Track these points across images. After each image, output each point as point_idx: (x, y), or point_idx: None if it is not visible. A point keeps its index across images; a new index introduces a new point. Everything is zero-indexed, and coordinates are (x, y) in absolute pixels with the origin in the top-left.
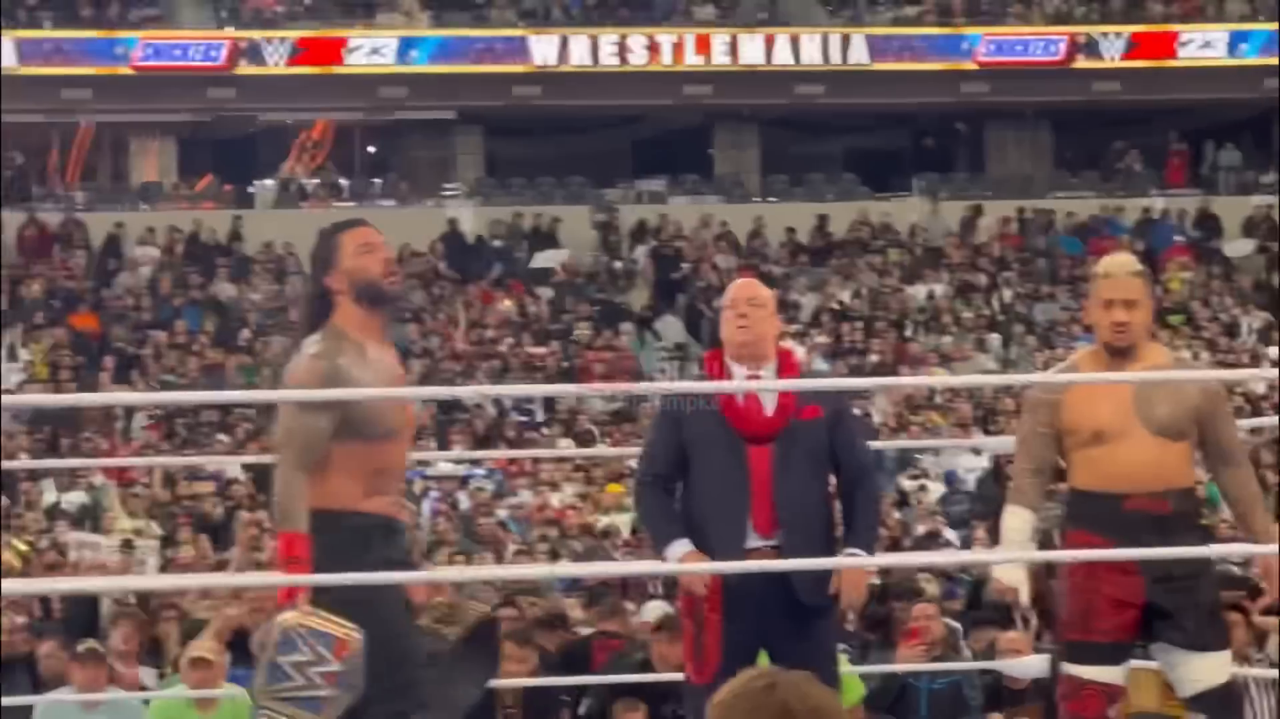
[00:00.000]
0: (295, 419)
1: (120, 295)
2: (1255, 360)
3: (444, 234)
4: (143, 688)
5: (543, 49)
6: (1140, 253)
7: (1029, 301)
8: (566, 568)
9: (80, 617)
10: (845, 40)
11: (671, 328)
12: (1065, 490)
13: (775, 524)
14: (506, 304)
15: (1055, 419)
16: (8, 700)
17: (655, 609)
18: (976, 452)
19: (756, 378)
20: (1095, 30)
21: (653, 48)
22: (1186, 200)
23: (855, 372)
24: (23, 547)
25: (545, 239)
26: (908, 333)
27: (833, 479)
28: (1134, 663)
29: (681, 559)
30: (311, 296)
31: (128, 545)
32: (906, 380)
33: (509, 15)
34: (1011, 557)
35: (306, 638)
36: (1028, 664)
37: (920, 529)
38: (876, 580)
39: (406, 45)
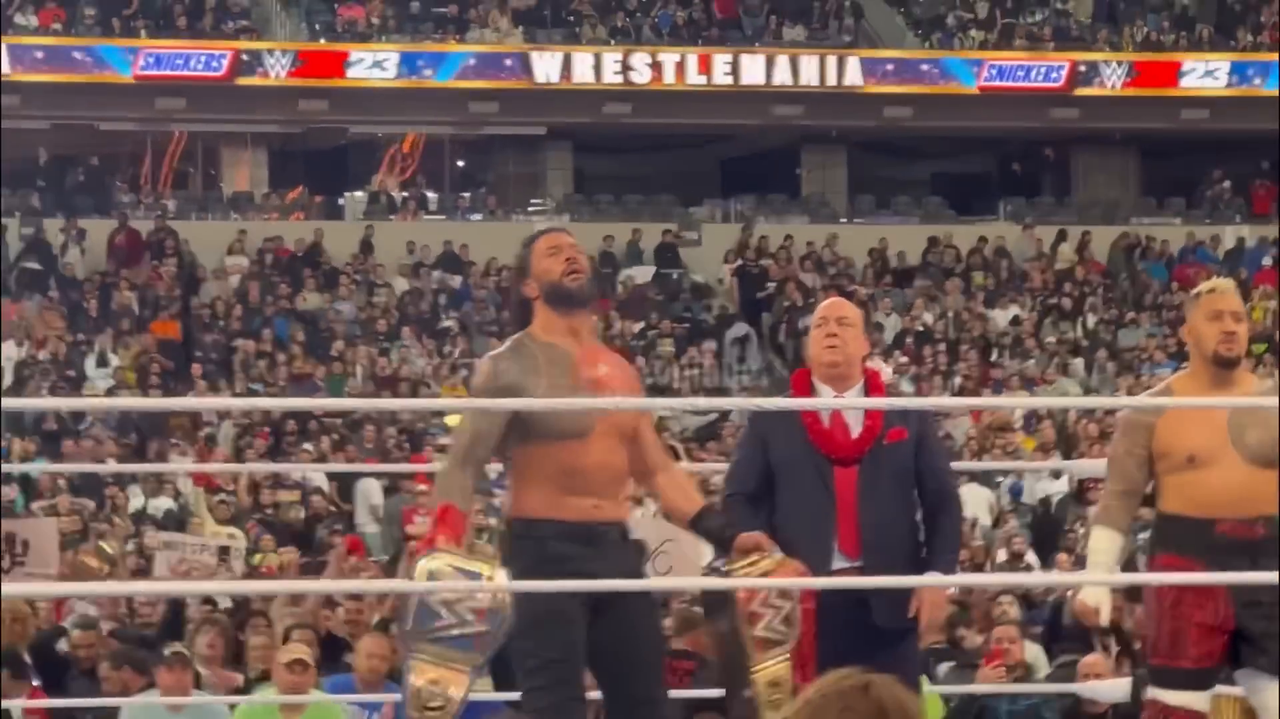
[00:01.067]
0: (466, 417)
1: (208, 303)
2: None
3: None
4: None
5: (633, 67)
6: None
7: (1113, 327)
8: (655, 582)
9: (168, 622)
10: (935, 63)
11: (755, 345)
12: (1154, 515)
13: (860, 546)
14: (592, 319)
15: (1148, 442)
16: (97, 702)
17: None
18: (1057, 475)
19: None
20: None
21: (741, 68)
22: (1271, 229)
23: (938, 394)
24: (110, 549)
25: (632, 255)
26: (992, 356)
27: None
28: (1219, 689)
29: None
30: (515, 304)
31: (224, 552)
32: (992, 401)
33: (600, 33)
34: (1096, 579)
35: (454, 576)
36: (1108, 689)
37: (1002, 552)
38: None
39: (497, 61)
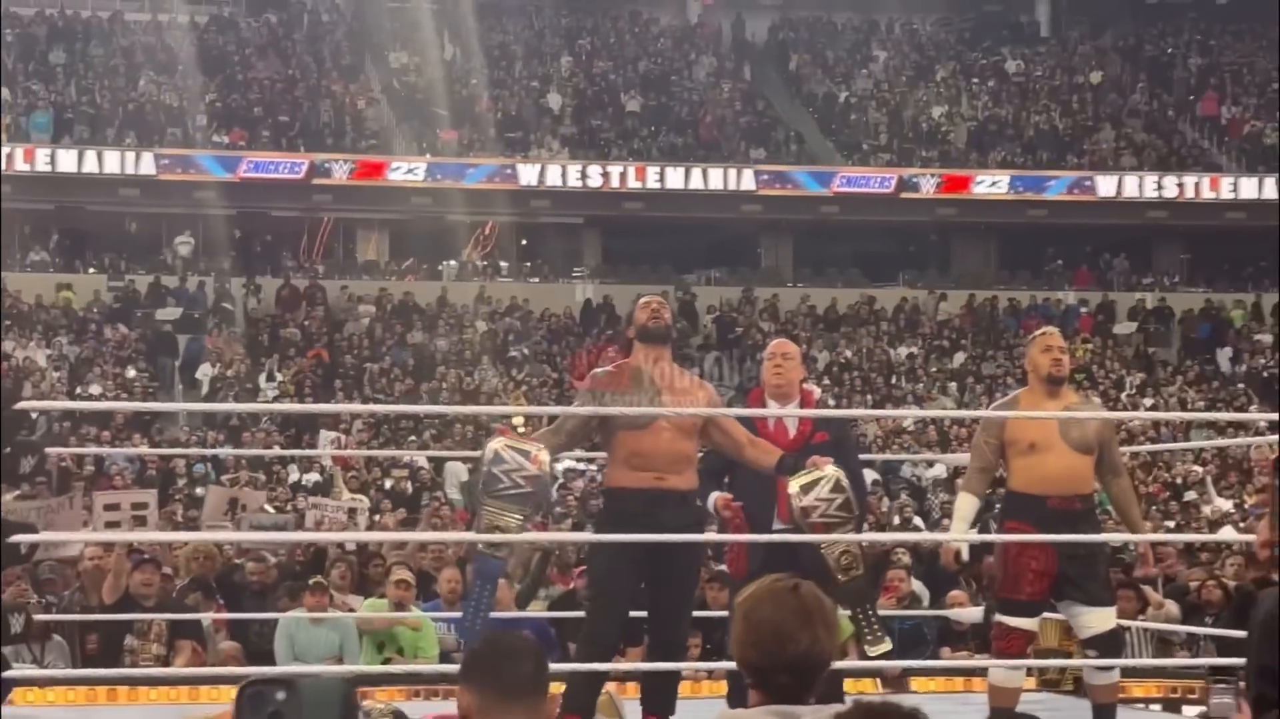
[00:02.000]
0: (564, 415)
1: (348, 338)
2: (1135, 407)
3: (575, 304)
4: (351, 609)
5: (645, 176)
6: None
7: (978, 361)
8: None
9: (313, 560)
10: (854, 177)
11: (729, 372)
12: (1004, 492)
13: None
14: (610, 353)
15: (1000, 434)
16: (263, 616)
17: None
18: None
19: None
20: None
21: (721, 177)
22: (1090, 294)
23: (853, 408)
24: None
25: None
26: (893, 381)
27: None
28: (1045, 614)
29: (716, 500)
30: (623, 341)
31: (352, 513)
32: (890, 413)
33: (623, 152)
34: (959, 536)
35: (511, 453)
36: (968, 613)
37: (896, 518)
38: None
39: (549, 171)
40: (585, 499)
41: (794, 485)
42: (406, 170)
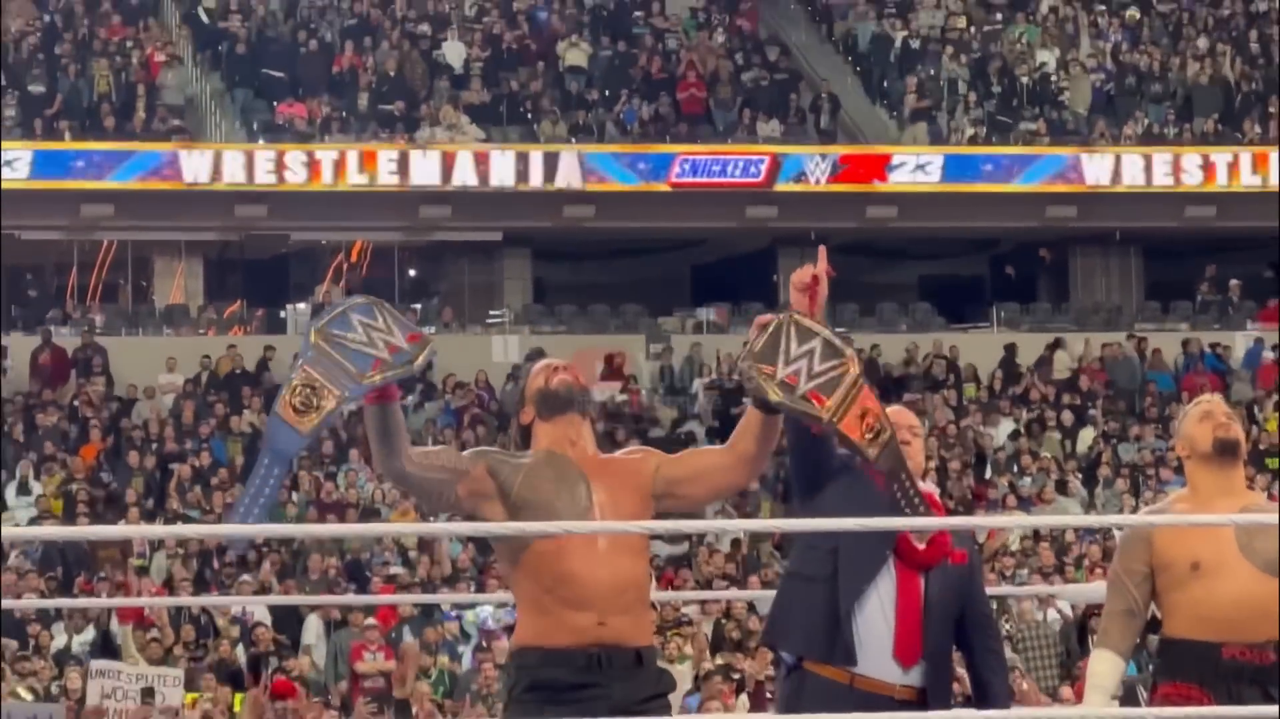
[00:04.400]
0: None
1: (140, 425)
2: None
3: (492, 366)
4: None
5: (715, 167)
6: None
7: (1114, 441)
8: None
9: None
10: (921, 159)
11: None
12: (1158, 640)
13: (920, 658)
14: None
15: (1148, 556)
16: None
17: None
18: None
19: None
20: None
21: (713, 167)
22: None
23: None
24: (26, 695)
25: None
26: (986, 474)
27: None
28: None
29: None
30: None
31: (149, 694)
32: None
33: (559, 129)
34: (1097, 712)
35: (388, 317)
36: None
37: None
38: None
39: (450, 161)
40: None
41: (754, 360)
42: (234, 166)
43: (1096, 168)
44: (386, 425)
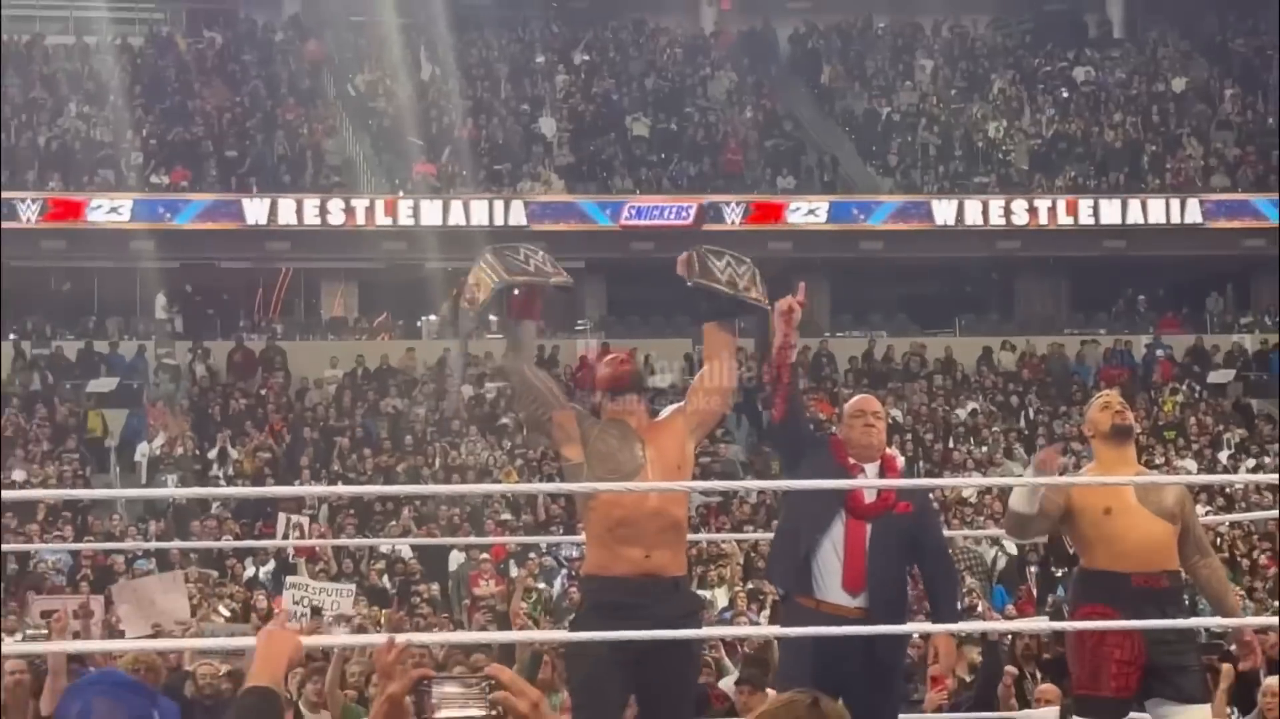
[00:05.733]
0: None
1: (311, 409)
2: (1235, 469)
3: (573, 361)
4: None
5: (655, 212)
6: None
7: (1049, 419)
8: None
9: None
10: (915, 204)
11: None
12: (1077, 571)
13: (864, 589)
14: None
15: (1066, 499)
16: None
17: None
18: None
19: (861, 471)
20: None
21: (740, 211)
22: (1180, 338)
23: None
24: (225, 612)
25: (660, 365)
26: (950, 444)
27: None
28: (1133, 716)
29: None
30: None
31: (318, 611)
32: (975, 481)
33: (628, 184)
34: (1022, 481)
35: (545, 255)
36: (1041, 715)
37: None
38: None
39: (544, 209)
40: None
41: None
42: (380, 213)
43: (1039, 210)
44: (522, 336)
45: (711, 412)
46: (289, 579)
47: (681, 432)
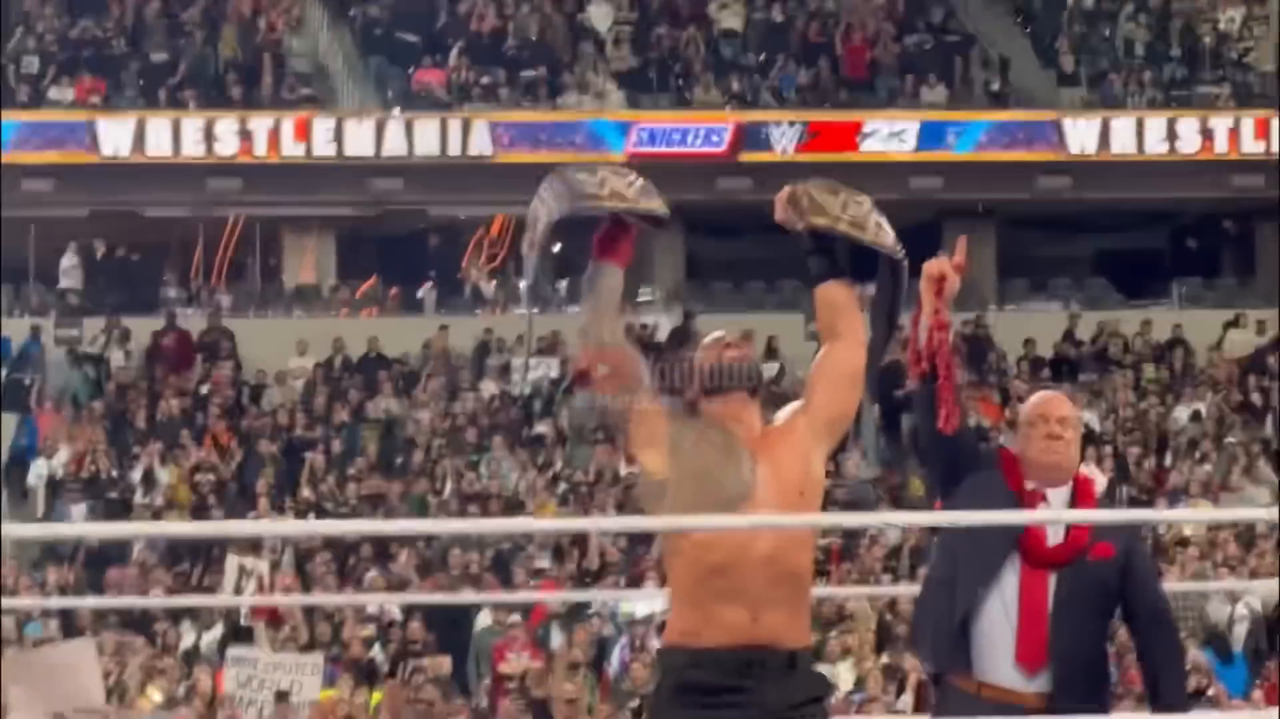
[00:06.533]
0: None
1: (270, 412)
2: None
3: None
4: None
5: (673, 137)
6: None
7: None
8: None
9: None
10: (1104, 126)
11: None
12: None
13: (1046, 665)
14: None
15: None
16: None
17: None
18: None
19: (1044, 500)
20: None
21: (871, 135)
22: None
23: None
24: (158, 696)
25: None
26: (1167, 460)
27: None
28: None
29: None
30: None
31: (283, 696)
32: (1214, 514)
33: (714, 96)
34: None
35: (637, 180)
36: None
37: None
38: None
39: (601, 129)
40: None
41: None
42: (366, 137)
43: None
44: (602, 284)
45: (843, 410)
46: (231, 653)
47: (805, 442)
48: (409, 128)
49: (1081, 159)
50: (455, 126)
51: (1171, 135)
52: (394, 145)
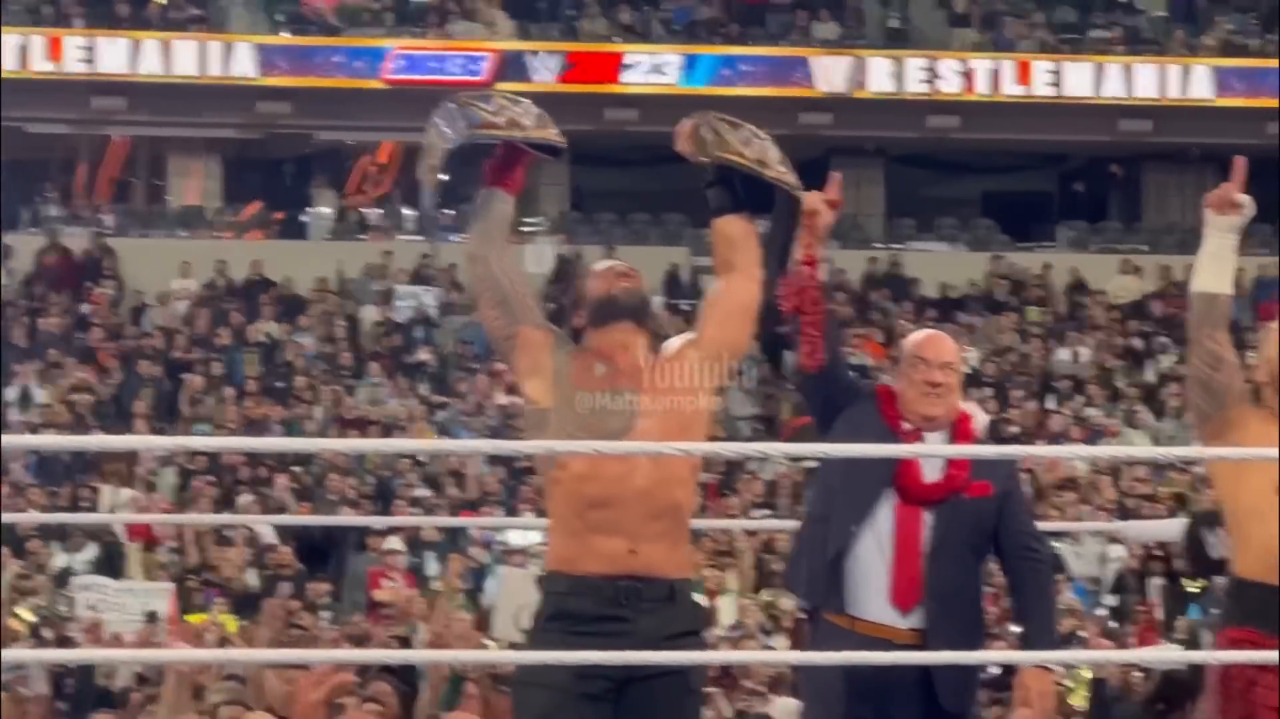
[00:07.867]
0: None
1: (151, 333)
2: None
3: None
4: None
5: (640, 69)
6: None
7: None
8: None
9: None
10: (994, 67)
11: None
12: (1227, 583)
13: (920, 603)
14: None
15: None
16: None
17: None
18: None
19: (919, 437)
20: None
21: (761, 70)
22: None
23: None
24: (29, 616)
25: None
26: (1049, 403)
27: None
28: None
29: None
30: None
31: (151, 617)
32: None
33: (603, 28)
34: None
35: (533, 110)
36: None
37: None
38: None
39: (479, 59)
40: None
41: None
42: (254, 59)
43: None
44: (493, 212)
45: (735, 343)
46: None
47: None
48: (302, 52)
49: (973, 100)
50: (348, 50)
51: (1060, 78)
52: (283, 67)
